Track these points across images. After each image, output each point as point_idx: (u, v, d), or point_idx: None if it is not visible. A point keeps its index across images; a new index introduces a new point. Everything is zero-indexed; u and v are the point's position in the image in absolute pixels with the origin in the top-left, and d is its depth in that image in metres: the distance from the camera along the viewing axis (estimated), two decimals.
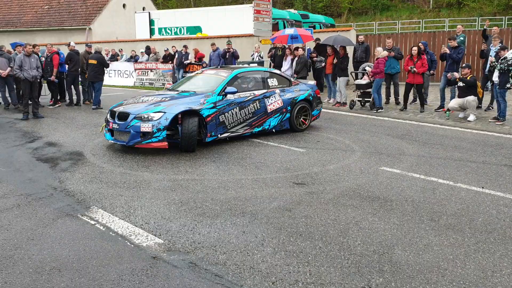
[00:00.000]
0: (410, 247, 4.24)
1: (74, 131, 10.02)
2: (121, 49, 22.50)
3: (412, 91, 12.45)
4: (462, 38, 13.88)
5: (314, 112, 9.98)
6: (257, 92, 9.02)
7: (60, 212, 5.19)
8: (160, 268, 3.87)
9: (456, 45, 11.71)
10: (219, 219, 4.94)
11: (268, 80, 9.40)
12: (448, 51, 11.60)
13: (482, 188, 5.93)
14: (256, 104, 8.91)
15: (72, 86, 14.08)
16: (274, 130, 9.35)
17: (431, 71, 12.38)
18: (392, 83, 13.25)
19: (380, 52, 12.27)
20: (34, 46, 12.44)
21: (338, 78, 13.25)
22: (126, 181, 6.34)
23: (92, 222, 4.89)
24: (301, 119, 9.73)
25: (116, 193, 5.85)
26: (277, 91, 9.34)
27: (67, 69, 13.98)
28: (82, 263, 3.96)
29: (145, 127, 7.57)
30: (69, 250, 4.22)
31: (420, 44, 12.38)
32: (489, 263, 3.93)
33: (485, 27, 14.30)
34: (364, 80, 12.69)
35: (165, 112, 7.72)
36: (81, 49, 14.83)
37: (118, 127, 7.89)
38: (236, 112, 8.59)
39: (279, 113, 9.29)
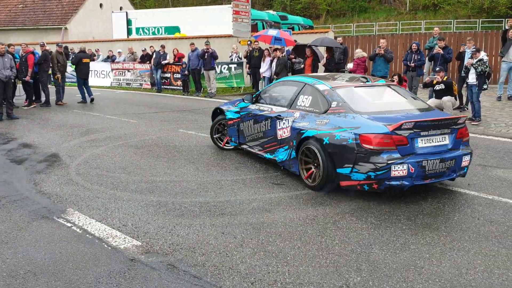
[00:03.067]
0: (387, 246, 4.29)
1: (49, 132, 9.85)
2: (98, 49, 22.22)
3: None
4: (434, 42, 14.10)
5: (344, 171, 5.49)
6: (275, 109, 6.87)
7: (35, 215, 5.10)
8: (138, 270, 3.83)
9: (444, 45, 11.98)
10: (198, 220, 4.92)
11: (301, 97, 6.55)
12: (441, 51, 11.84)
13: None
14: (267, 123, 6.89)
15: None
16: (282, 167, 6.75)
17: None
18: None
19: (358, 53, 12.45)
20: (9, 45, 12.21)
21: None
22: (103, 183, 6.26)
23: (68, 225, 4.81)
24: (313, 169, 5.97)
25: (92, 195, 5.78)
26: (297, 114, 6.39)
27: (40, 69, 13.68)
28: (58, 266, 3.90)
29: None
30: (44, 253, 4.14)
31: (413, 44, 12.61)
32: (463, 261, 4.00)
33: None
34: None
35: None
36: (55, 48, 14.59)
37: None
38: (250, 125, 7.31)
39: (287, 145, 6.46)
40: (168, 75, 18.39)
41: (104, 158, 7.60)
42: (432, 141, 5.43)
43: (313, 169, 5.95)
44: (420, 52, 12.55)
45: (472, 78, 10.34)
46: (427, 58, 13.96)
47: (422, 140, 5.35)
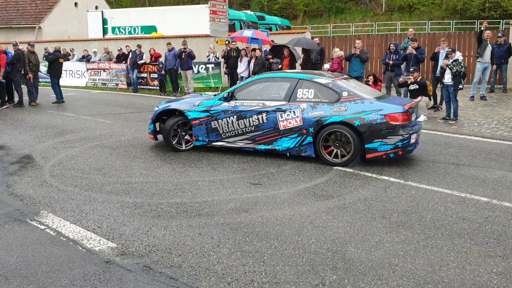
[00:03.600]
0: (362, 244, 4.34)
1: (22, 133, 9.66)
2: (73, 49, 21.87)
3: None
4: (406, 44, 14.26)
5: (375, 145, 6.83)
6: (269, 103, 7.44)
7: (7, 217, 4.99)
8: (114, 272, 3.79)
9: (417, 46, 12.18)
10: (174, 221, 4.89)
11: (299, 90, 7.39)
12: (414, 52, 12.03)
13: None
14: (262, 116, 7.41)
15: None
16: (288, 154, 7.47)
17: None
18: None
19: (337, 52, 12.64)
20: None
21: None
22: (77, 185, 6.17)
23: (42, 227, 4.73)
24: (341, 149, 7.06)
25: (67, 196, 5.69)
26: (303, 105, 7.23)
27: (13, 69, 13.39)
28: (31, 270, 3.83)
29: (149, 118, 8.38)
30: (17, 257, 4.06)
31: (391, 45, 12.78)
32: (437, 258, 4.07)
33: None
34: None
35: (158, 108, 8.25)
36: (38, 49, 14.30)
37: None
38: (232, 121, 7.60)
39: (298, 133, 7.22)
40: (144, 75, 18.22)
41: (78, 159, 7.49)
42: (414, 116, 7.20)
43: (333, 149, 7.13)
44: (398, 52, 12.74)
45: (447, 78, 10.53)
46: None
47: (413, 115, 7.16)
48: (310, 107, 7.20)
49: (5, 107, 13.39)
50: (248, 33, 15.76)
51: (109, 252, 4.15)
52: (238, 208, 5.30)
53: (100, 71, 19.67)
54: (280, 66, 14.19)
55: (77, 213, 5.10)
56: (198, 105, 7.91)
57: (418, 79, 11.00)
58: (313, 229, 4.69)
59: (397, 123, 6.72)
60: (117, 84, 19.10)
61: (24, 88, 14.13)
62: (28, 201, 5.52)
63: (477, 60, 13.75)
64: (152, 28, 23.29)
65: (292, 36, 17.13)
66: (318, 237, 4.49)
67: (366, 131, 6.79)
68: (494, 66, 13.68)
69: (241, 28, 21.37)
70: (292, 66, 13.88)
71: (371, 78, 11.81)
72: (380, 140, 6.78)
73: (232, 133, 7.70)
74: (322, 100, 7.20)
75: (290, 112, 7.27)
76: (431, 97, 11.62)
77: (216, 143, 7.86)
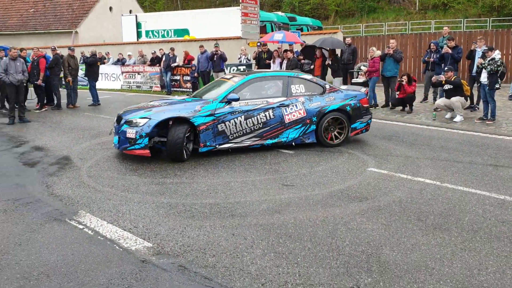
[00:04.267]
0: (397, 247, 4.28)
1: (60, 135, 9.95)
2: (108, 52, 22.39)
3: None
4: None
5: (356, 125, 8.52)
6: (272, 100, 8.05)
7: (47, 217, 5.15)
8: (149, 271, 3.86)
9: (454, 45, 11.95)
10: (208, 222, 4.94)
11: (292, 86, 8.29)
12: (450, 51, 11.82)
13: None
14: (269, 113, 7.93)
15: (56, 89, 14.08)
16: (294, 144, 8.25)
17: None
18: (389, 88, 12.71)
19: (374, 51, 12.54)
20: (21, 50, 12.36)
21: (333, 79, 13.32)
22: (114, 185, 6.31)
23: (80, 227, 4.86)
24: (335, 132, 8.39)
25: (104, 197, 5.83)
26: (301, 99, 8.19)
27: (51, 73, 13.82)
28: (71, 268, 3.94)
29: (130, 132, 7.33)
30: (57, 255, 4.19)
31: (432, 43, 12.66)
32: (475, 261, 3.98)
33: (473, 47, 12.89)
34: (361, 79, 12.89)
35: (150, 119, 7.38)
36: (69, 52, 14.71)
37: (114, 130, 7.96)
38: (240, 122, 7.78)
39: (301, 124, 8.14)
40: (177, 77, 18.48)
41: (115, 161, 7.66)
42: None
43: (331, 134, 8.37)
44: (439, 51, 12.50)
45: (484, 78, 10.25)
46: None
47: None
48: (307, 99, 8.23)
49: (44, 109, 13.83)
50: (278, 36, 15.79)
51: (145, 252, 4.23)
52: (271, 209, 5.31)
53: (135, 74, 20.06)
54: (312, 66, 14.10)
55: (113, 213, 5.22)
56: (200, 110, 7.61)
57: (452, 79, 10.76)
58: (347, 231, 4.65)
59: (366, 105, 8.63)
60: (151, 87, 19.43)
61: (63, 91, 14.56)
62: (66, 201, 5.69)
63: None
64: (185, 31, 23.59)
65: (324, 36, 17.03)
66: (352, 239, 4.45)
67: (354, 115, 8.41)
68: None
69: (272, 30, 21.40)
70: (324, 66, 13.80)
71: (405, 78, 11.64)
72: (360, 120, 8.52)
73: (240, 133, 7.84)
74: (313, 93, 8.36)
75: (293, 106, 8.11)
76: (467, 97, 11.33)
77: (223, 145, 7.80)
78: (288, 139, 8.15)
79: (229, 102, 7.77)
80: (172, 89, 18.29)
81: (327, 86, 8.59)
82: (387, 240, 4.42)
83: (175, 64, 18.17)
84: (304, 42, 16.42)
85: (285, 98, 8.14)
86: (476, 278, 3.70)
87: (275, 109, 7.99)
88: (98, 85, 19.82)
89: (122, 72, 20.48)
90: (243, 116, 7.79)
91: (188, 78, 17.84)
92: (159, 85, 19.14)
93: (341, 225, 4.80)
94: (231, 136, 7.81)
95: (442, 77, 10.90)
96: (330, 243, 4.38)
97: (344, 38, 16.97)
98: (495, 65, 9.90)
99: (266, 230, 4.69)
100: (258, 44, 16.67)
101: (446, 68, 11.02)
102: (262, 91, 8.35)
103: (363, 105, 8.53)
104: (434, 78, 11.32)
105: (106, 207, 5.43)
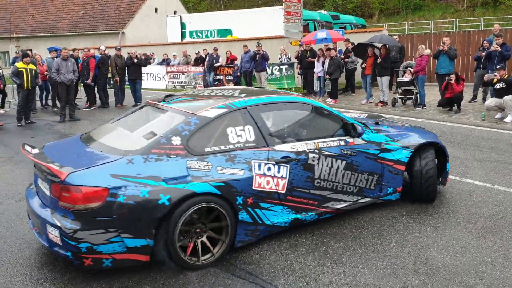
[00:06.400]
0: (446, 249, 4.17)
1: None
2: (153, 53, 22.88)
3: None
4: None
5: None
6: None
7: None
8: (194, 267, 3.92)
9: (502, 42, 11.55)
10: None
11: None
12: (499, 49, 11.43)
13: None
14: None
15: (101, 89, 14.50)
16: None
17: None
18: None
19: (424, 49, 12.30)
20: (73, 50, 12.82)
21: (380, 77, 13.08)
22: None
23: None
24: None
25: None
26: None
27: (99, 72, 14.25)
28: None
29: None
30: None
31: (484, 41, 12.33)
32: None
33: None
34: (407, 78, 12.64)
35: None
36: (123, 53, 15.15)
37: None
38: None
39: None
40: (220, 77, 18.67)
41: None
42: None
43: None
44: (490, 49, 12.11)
45: None
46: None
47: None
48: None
49: (93, 108, 14.29)
50: (321, 34, 15.70)
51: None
52: None
53: (179, 74, 20.41)
54: (364, 65, 13.79)
55: None
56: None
57: (505, 77, 10.37)
58: (393, 233, 4.57)
59: None
60: (195, 87, 19.72)
61: (110, 90, 15.00)
62: None
63: None
64: (228, 31, 23.79)
65: (369, 34, 16.78)
66: (399, 241, 4.37)
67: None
68: None
69: (315, 29, 21.28)
70: (376, 65, 13.49)
71: (453, 77, 11.32)
72: None
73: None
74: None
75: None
76: None
77: None
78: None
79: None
80: None
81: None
82: (435, 242, 4.32)
83: (218, 64, 18.36)
84: (348, 40, 16.23)
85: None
86: None
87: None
88: (144, 84, 20.36)
89: (167, 72, 20.87)
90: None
91: (231, 77, 17.99)
92: (202, 85, 19.40)
93: (387, 226, 4.72)
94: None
95: (496, 76, 10.53)
96: (375, 243, 4.32)
97: (392, 37, 16.66)
98: None
99: (309, 229, 4.68)
100: (300, 42, 16.62)
101: (498, 67, 10.63)
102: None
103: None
104: (486, 77, 10.95)
105: None
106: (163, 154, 3.81)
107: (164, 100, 4.77)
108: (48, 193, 3.79)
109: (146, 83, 21.18)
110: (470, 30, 22.10)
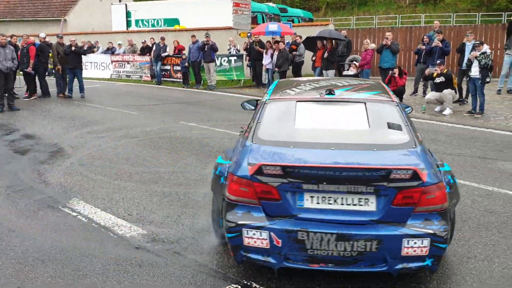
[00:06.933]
0: None
1: (51, 124, 9.88)
2: (97, 41, 22.17)
3: None
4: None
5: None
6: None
7: (40, 204, 5.15)
8: (145, 257, 3.90)
9: (442, 38, 12.09)
10: (202, 210, 4.97)
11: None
12: (440, 44, 11.93)
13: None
14: None
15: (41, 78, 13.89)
16: None
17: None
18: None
19: (369, 43, 12.62)
20: (11, 36, 12.19)
21: (326, 71, 13.31)
22: (106, 174, 6.31)
23: (74, 214, 4.87)
24: None
25: (96, 185, 5.83)
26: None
27: (38, 60, 13.59)
28: (66, 254, 3.96)
29: None
30: (51, 242, 4.20)
31: (425, 36, 12.79)
32: (464, 250, 4.07)
33: (465, 40, 12.45)
34: (352, 71, 12.93)
35: None
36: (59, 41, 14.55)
37: None
38: None
39: None
40: (168, 67, 18.38)
41: (106, 149, 7.65)
42: (335, 202, 3.32)
43: None
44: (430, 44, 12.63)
45: (475, 71, 10.33)
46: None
47: (312, 197, 3.34)
48: None
49: (33, 98, 13.68)
50: (273, 27, 15.80)
51: (140, 239, 4.26)
52: None
53: (124, 64, 19.92)
54: (314, 58, 13.95)
55: (107, 201, 5.24)
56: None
57: (444, 72, 10.89)
58: None
59: (226, 195, 3.52)
60: (141, 76, 19.32)
61: (51, 79, 14.42)
62: (59, 189, 5.68)
63: (505, 52, 13.47)
64: (175, 21, 23.42)
65: (316, 28, 17.07)
66: None
67: (214, 192, 4.16)
68: None
69: (263, 21, 21.38)
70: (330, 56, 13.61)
71: (396, 71, 11.73)
72: (221, 216, 3.68)
73: None
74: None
75: None
76: (456, 90, 11.47)
77: None
78: None
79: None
80: (162, 79, 18.22)
81: (250, 124, 4.10)
82: None
83: (165, 53, 18.06)
84: (295, 33, 16.43)
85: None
86: (465, 266, 3.79)
87: None
88: (87, 74, 19.69)
89: (112, 61, 20.31)
90: None
91: (179, 68, 17.76)
92: (149, 75, 19.04)
93: None
94: None
95: (436, 70, 11.02)
96: None
97: (340, 31, 17.00)
98: (489, 59, 10.03)
99: None
100: (248, 34, 16.66)
101: (438, 62, 11.14)
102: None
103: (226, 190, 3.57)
104: (427, 71, 11.43)
105: (99, 195, 5.44)
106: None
107: (331, 93, 4.21)
108: None
109: (90, 72, 20.50)
110: (412, 26, 22.98)
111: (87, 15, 29.53)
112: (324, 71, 13.34)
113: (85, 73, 15.15)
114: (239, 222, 3.31)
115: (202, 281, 3.51)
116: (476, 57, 10.24)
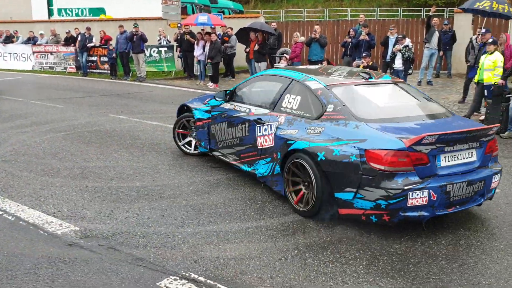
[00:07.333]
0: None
1: None
2: (16, 31, 20.89)
3: None
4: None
5: (343, 196, 4.30)
6: (255, 110, 5.52)
7: None
8: (78, 254, 3.78)
9: (368, 32, 12.62)
10: (136, 204, 4.90)
11: (285, 97, 5.23)
12: (367, 38, 12.41)
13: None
14: (245, 127, 5.55)
15: None
16: (263, 184, 5.35)
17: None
18: None
19: (299, 36, 12.87)
20: None
21: (257, 63, 13.42)
22: (32, 170, 6.02)
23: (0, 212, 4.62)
24: (303, 189, 4.71)
25: (22, 182, 5.55)
26: (281, 119, 5.08)
27: None
28: None
29: None
30: None
31: (351, 30, 13.35)
32: None
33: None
34: (283, 64, 13.13)
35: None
36: None
37: None
38: (223, 128, 5.94)
39: (270, 157, 5.15)
40: (94, 58, 17.73)
41: (31, 144, 7.28)
42: (457, 157, 4.26)
43: (304, 191, 4.69)
44: (357, 37, 13.13)
45: (398, 64, 10.91)
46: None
47: (445, 157, 4.18)
48: (287, 121, 5.00)
49: None
50: (203, 18, 15.68)
51: (72, 235, 4.12)
52: (200, 190, 5.36)
53: (47, 54, 18.96)
54: (247, 49, 14.01)
55: (35, 198, 5.01)
56: (206, 103, 6.45)
57: (370, 63, 11.36)
58: (274, 208, 4.82)
59: (380, 167, 4.01)
60: (65, 68, 18.49)
61: None
62: None
63: (425, 46, 14.28)
64: (101, 10, 22.59)
65: (246, 20, 17.15)
66: (280, 215, 4.63)
67: (332, 172, 4.33)
68: (441, 52, 14.28)
69: (193, 11, 21.13)
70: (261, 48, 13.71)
71: (325, 63, 12.08)
72: (354, 190, 4.18)
73: (224, 143, 6.00)
74: (305, 114, 4.91)
75: (267, 126, 5.17)
76: None
77: (215, 152, 6.24)
78: (259, 174, 5.32)
79: (228, 100, 6.06)
80: (88, 70, 17.54)
81: (330, 108, 4.67)
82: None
83: (92, 44, 17.39)
84: (225, 26, 16.44)
85: (268, 112, 5.31)
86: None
87: (251, 124, 5.42)
88: (7, 65, 18.58)
89: (34, 52, 19.25)
90: (226, 122, 5.88)
91: (106, 59, 17.17)
92: (74, 66, 18.26)
93: (268, 203, 4.97)
94: (219, 144, 6.11)
95: (362, 62, 11.47)
96: (258, 219, 4.53)
97: (270, 23, 17.17)
98: (411, 52, 10.62)
99: (196, 210, 4.75)
100: (179, 25, 16.43)
101: (363, 54, 11.60)
102: (260, 94, 5.83)
103: (370, 163, 4.07)
104: (354, 63, 11.88)
105: (26, 192, 5.19)
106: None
107: (371, 77, 5.19)
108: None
109: (9, 63, 19.36)
110: (339, 20, 23.68)
111: (6, 3, 27.69)
112: (256, 64, 13.49)
113: (4, 65, 14.26)
114: (405, 188, 3.97)
115: (140, 275, 3.47)
116: (399, 50, 10.80)
